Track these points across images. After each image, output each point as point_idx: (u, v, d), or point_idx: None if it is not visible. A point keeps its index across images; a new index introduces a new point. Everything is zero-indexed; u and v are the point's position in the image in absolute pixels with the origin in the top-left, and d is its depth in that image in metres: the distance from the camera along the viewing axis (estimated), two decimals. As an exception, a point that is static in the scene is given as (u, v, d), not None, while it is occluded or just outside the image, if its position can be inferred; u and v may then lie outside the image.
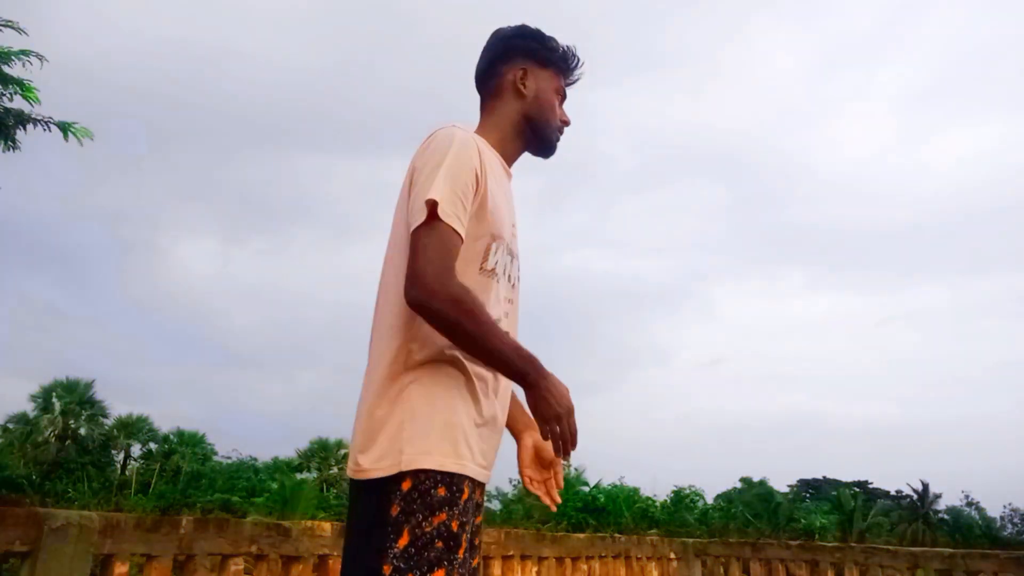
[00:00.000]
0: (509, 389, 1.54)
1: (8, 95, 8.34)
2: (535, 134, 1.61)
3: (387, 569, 1.26)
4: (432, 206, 1.31)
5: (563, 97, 1.66)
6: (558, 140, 1.65)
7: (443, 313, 1.29)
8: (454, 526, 1.30)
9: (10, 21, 8.09)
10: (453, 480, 1.32)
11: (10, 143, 8.44)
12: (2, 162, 8.64)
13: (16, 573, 2.65)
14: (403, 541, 1.27)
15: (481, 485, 1.43)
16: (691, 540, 6.26)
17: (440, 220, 1.31)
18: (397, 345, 1.37)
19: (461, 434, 1.36)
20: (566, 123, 1.66)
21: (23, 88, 8.28)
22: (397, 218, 1.47)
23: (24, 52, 8.15)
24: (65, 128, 8.45)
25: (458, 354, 1.37)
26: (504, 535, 4.40)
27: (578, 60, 1.65)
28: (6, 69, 8.19)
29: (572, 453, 1.40)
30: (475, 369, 1.41)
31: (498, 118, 1.59)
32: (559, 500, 1.60)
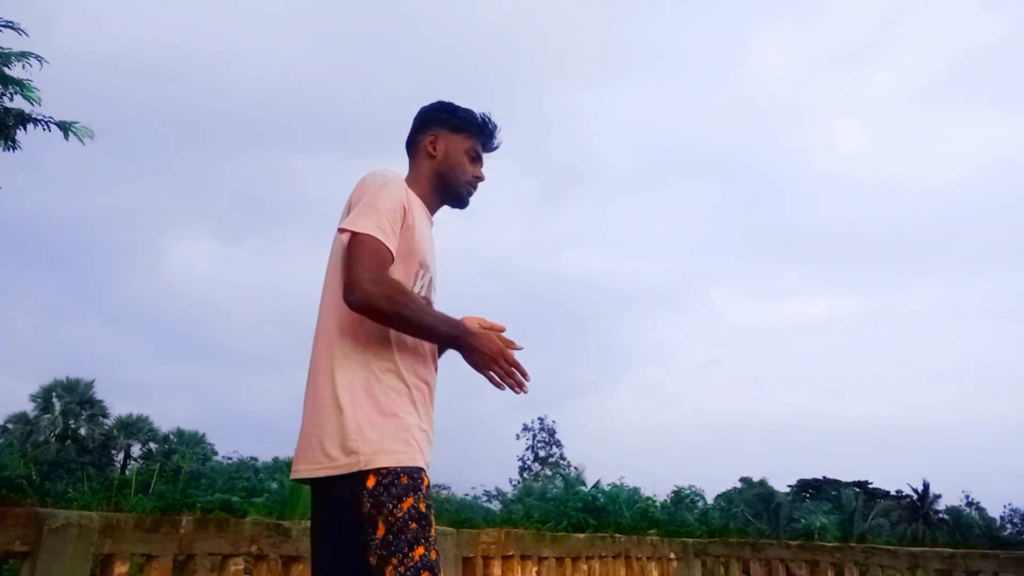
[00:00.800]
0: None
1: (8, 95, 8.35)
2: (446, 188, 1.87)
3: (373, 560, 1.43)
4: (363, 225, 1.57)
5: (475, 156, 1.89)
6: (470, 194, 1.90)
7: (382, 308, 1.51)
8: (422, 507, 1.47)
9: (10, 22, 8.09)
10: (411, 470, 1.49)
11: (10, 143, 8.45)
12: (2, 162, 8.65)
13: (16, 573, 2.65)
14: (380, 532, 1.43)
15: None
16: (691, 540, 6.26)
17: (369, 235, 1.56)
18: (343, 360, 1.58)
19: (410, 434, 1.54)
20: (478, 178, 1.90)
21: (23, 88, 8.28)
22: (334, 248, 1.70)
23: (24, 54, 8.15)
24: (66, 128, 8.44)
25: (400, 367, 1.60)
26: (504, 535, 4.40)
27: (492, 125, 1.91)
28: (6, 70, 8.19)
29: (527, 383, 1.64)
30: (414, 381, 1.62)
31: (417, 175, 1.86)
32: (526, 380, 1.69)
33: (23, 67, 8.23)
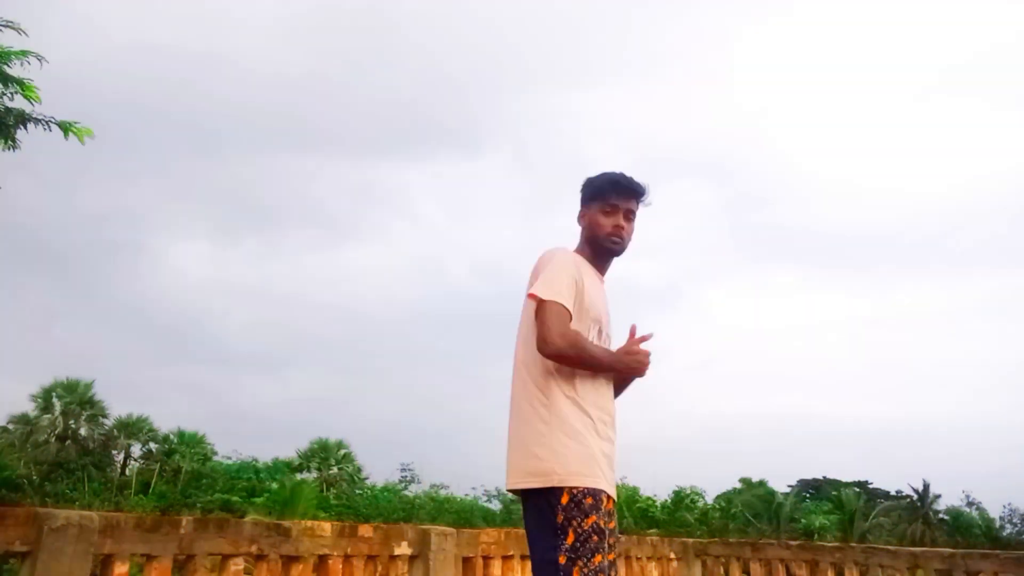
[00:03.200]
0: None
1: (9, 95, 8.34)
2: (593, 247, 2.25)
3: (562, 559, 1.85)
4: (547, 292, 2.01)
5: (609, 211, 2.21)
6: (615, 244, 2.23)
7: (568, 355, 1.99)
8: (601, 524, 1.89)
9: (10, 21, 8.09)
10: (595, 492, 1.91)
11: (11, 143, 8.44)
12: (2, 162, 8.65)
13: (16, 573, 2.65)
14: (570, 539, 1.86)
15: (612, 498, 1.99)
16: (691, 540, 6.26)
17: (553, 300, 2.00)
18: (541, 397, 2.01)
19: (595, 460, 1.95)
20: (618, 227, 2.21)
21: (23, 87, 8.28)
22: (525, 309, 2.14)
23: (23, 52, 8.14)
24: (66, 128, 8.44)
25: (585, 401, 2.02)
26: (504, 535, 4.40)
27: (624, 179, 2.22)
28: (6, 69, 8.19)
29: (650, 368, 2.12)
30: (597, 412, 2.03)
31: (581, 245, 2.30)
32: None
33: (21, 65, 8.22)
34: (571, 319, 2.01)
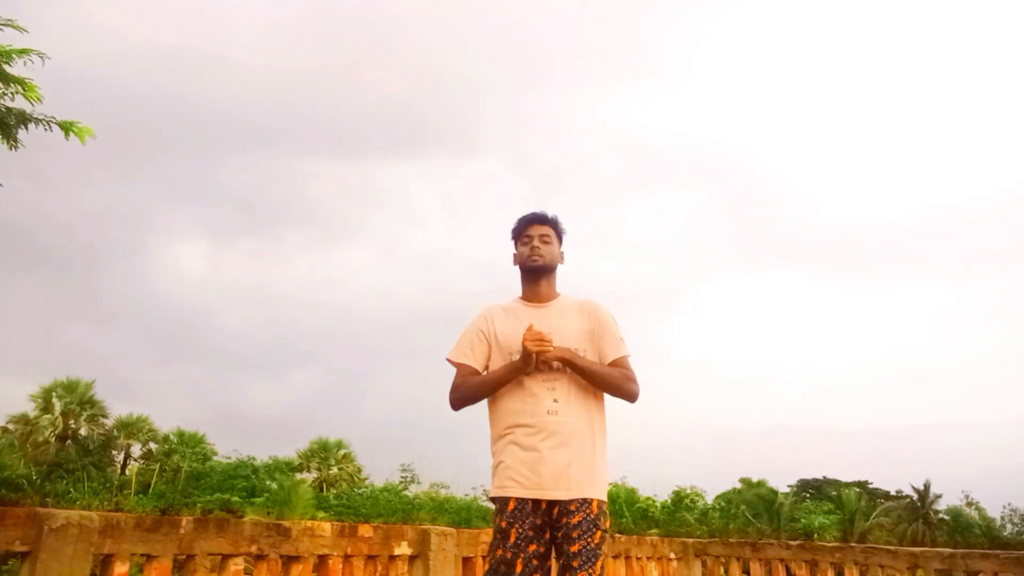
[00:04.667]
0: None
1: (10, 94, 8.33)
2: (523, 274, 2.62)
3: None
4: (450, 354, 2.53)
5: (527, 241, 2.57)
6: (533, 261, 2.53)
7: (458, 402, 2.49)
8: (503, 524, 2.31)
9: (10, 20, 8.08)
10: (497, 499, 2.36)
11: (12, 142, 8.44)
12: (2, 162, 8.64)
13: (16, 573, 2.64)
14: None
15: (516, 499, 2.36)
16: (691, 540, 6.26)
17: (450, 361, 2.53)
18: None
19: (499, 471, 2.38)
20: (533, 248, 2.55)
21: (24, 87, 8.27)
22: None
23: (26, 51, 8.13)
24: (67, 127, 8.44)
25: (494, 421, 2.46)
26: (504, 535, 4.40)
27: (527, 216, 2.61)
28: (7, 68, 8.17)
29: (546, 338, 2.33)
30: (512, 423, 2.40)
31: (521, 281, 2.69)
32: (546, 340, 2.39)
33: (24, 64, 8.21)
34: (468, 368, 2.47)
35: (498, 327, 2.48)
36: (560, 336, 2.37)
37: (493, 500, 2.36)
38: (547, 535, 2.29)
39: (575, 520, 2.25)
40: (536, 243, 2.53)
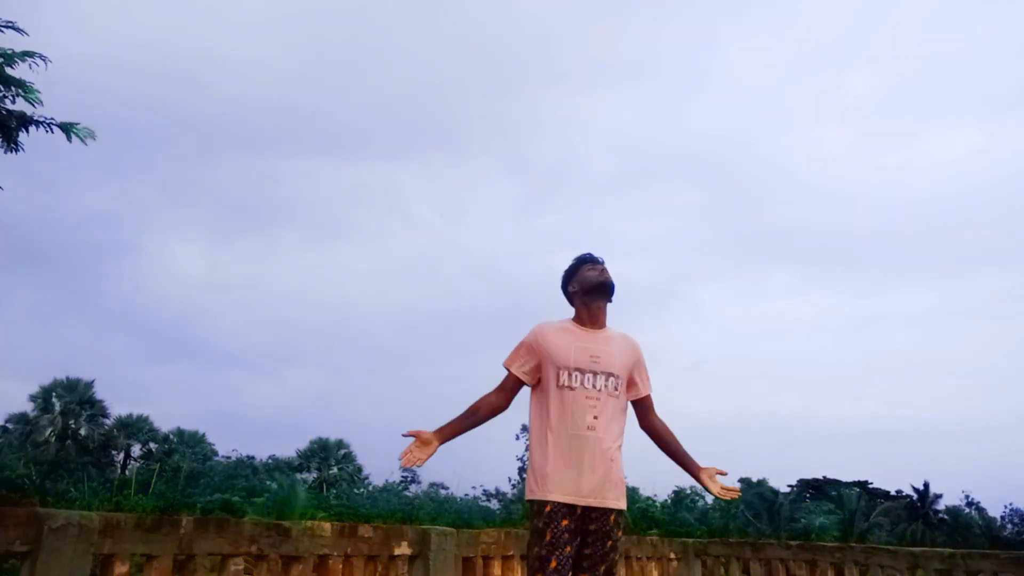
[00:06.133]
0: None
1: (10, 97, 8.33)
2: (585, 295, 2.77)
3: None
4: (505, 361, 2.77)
5: (593, 267, 2.78)
6: (601, 279, 2.73)
7: None
8: (540, 525, 2.50)
9: (11, 22, 8.07)
10: (533, 502, 2.56)
11: (13, 145, 8.43)
12: (2, 164, 8.63)
13: (16, 573, 2.65)
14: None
15: (553, 502, 2.58)
16: (691, 540, 6.26)
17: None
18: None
19: (534, 475, 2.61)
20: (603, 271, 2.77)
21: (25, 89, 8.27)
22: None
23: (28, 53, 8.13)
24: (68, 129, 8.43)
25: (547, 425, 2.63)
26: (504, 535, 4.40)
27: (589, 254, 2.85)
28: (8, 71, 8.17)
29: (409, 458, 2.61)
30: (558, 428, 2.60)
31: (576, 307, 2.84)
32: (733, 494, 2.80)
33: (29, 67, 8.20)
34: (512, 377, 2.71)
35: (551, 343, 2.67)
36: (607, 362, 2.64)
37: (530, 502, 2.55)
38: (577, 539, 2.52)
39: (601, 527, 2.52)
40: (604, 268, 2.77)
